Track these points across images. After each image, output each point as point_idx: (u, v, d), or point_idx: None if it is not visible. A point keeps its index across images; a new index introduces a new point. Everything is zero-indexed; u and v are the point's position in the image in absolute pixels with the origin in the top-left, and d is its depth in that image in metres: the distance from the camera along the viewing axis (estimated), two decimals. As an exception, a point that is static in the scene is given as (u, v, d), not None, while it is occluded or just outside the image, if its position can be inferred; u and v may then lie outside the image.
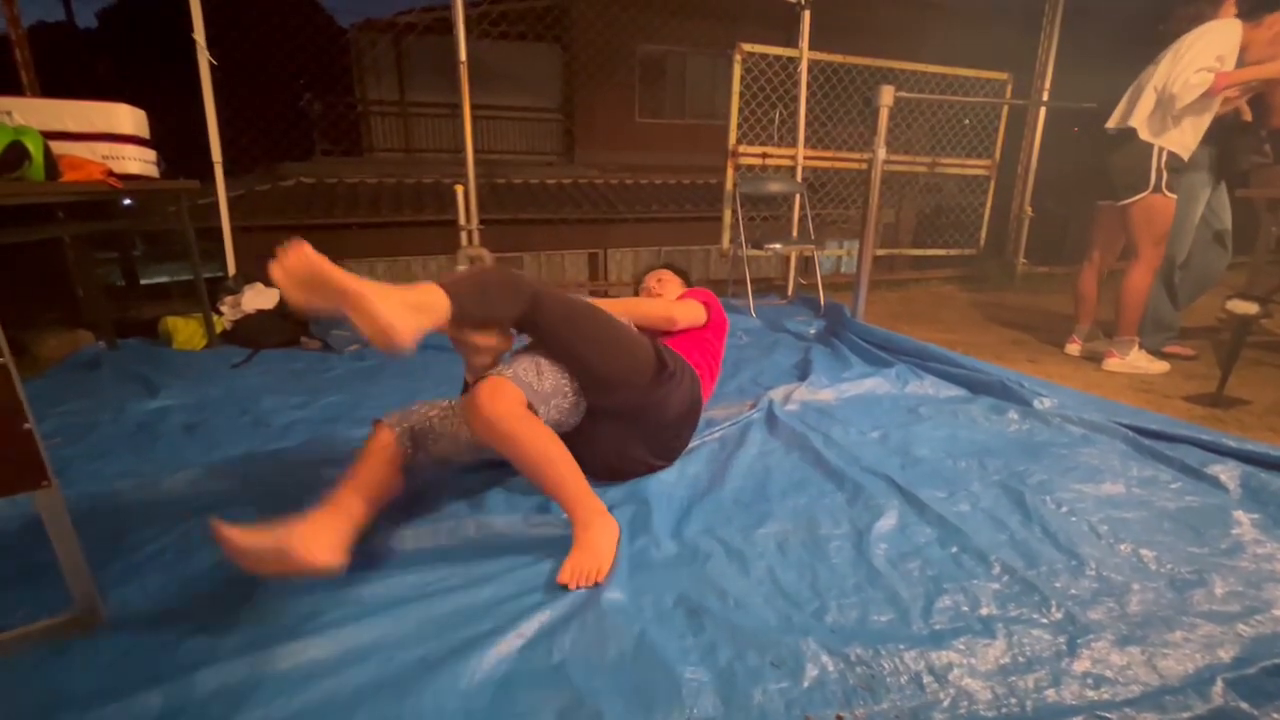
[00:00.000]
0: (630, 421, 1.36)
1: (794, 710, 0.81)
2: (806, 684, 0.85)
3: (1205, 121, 2.32)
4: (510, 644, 0.90)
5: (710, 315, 1.71)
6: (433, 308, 1.02)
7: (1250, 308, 2.14)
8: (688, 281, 2.00)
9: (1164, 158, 2.32)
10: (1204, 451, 1.56)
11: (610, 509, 1.28)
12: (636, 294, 1.99)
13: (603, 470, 1.38)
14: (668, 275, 1.97)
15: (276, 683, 0.84)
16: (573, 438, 1.26)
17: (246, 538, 0.92)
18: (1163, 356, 2.58)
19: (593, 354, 1.27)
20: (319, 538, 0.97)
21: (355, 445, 1.61)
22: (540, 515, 1.27)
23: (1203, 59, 2.23)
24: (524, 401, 1.15)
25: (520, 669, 0.87)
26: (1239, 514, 1.29)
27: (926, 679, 0.86)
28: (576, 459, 1.18)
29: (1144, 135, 2.36)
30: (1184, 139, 2.32)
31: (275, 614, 0.97)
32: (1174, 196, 2.35)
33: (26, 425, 0.81)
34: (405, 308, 0.95)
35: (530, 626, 0.93)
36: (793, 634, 0.93)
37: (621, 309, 1.51)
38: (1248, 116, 2.56)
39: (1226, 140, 2.49)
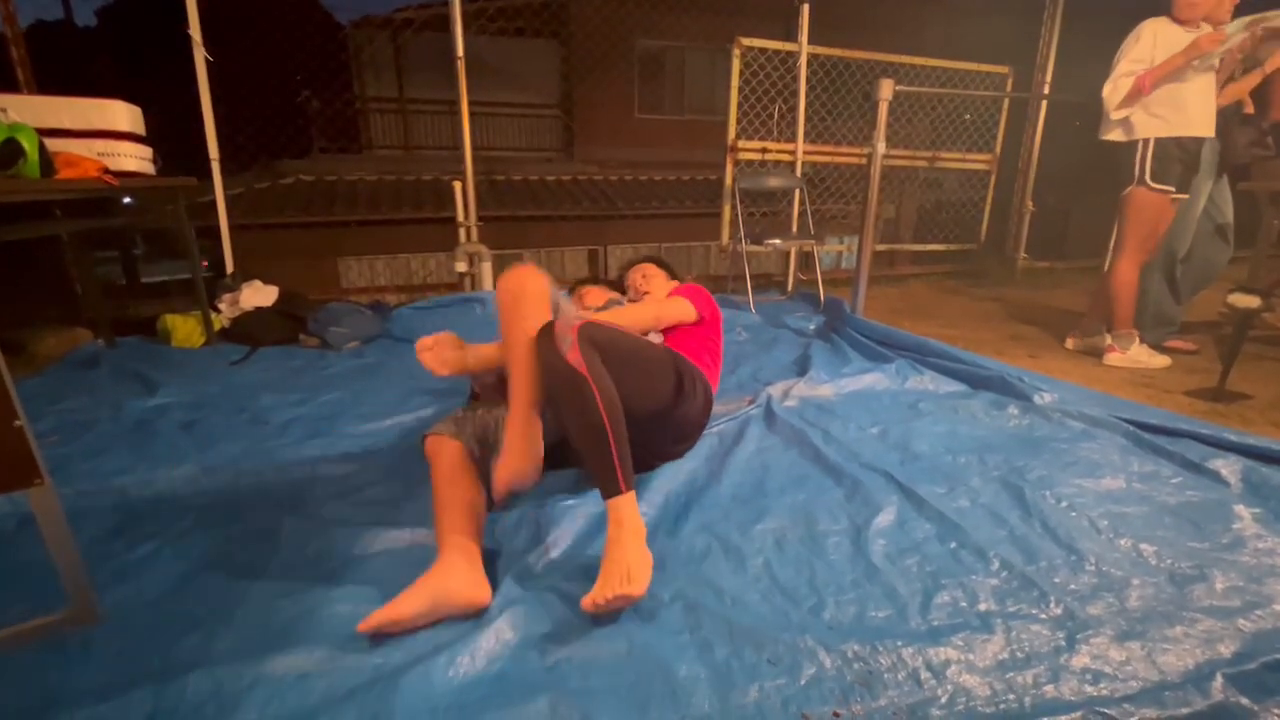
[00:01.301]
0: (640, 431, 1.36)
1: (791, 707, 0.81)
2: (804, 681, 0.84)
3: (1187, 98, 2.30)
4: (505, 641, 0.90)
5: (703, 311, 1.69)
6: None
7: (1252, 301, 2.13)
8: (672, 275, 1.96)
9: (1150, 148, 2.32)
10: (1205, 446, 1.55)
11: (600, 503, 1.27)
12: (621, 287, 1.93)
13: None
14: (653, 270, 1.91)
15: (270, 682, 0.83)
16: None
17: (397, 608, 0.91)
18: (1164, 351, 2.57)
19: (628, 391, 1.19)
20: (468, 577, 0.98)
21: (354, 442, 1.62)
22: (537, 510, 1.26)
23: (1123, 65, 2.33)
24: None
25: (515, 667, 0.87)
26: (1240, 509, 1.28)
27: (924, 675, 0.85)
28: (577, 453, 1.19)
29: (1114, 137, 2.40)
30: (1167, 125, 2.31)
31: (269, 614, 0.97)
32: (1162, 188, 2.34)
33: (18, 423, 0.81)
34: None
35: (525, 623, 0.93)
36: (790, 631, 0.93)
37: (627, 322, 1.47)
38: (1250, 109, 2.54)
39: (1228, 133, 2.48)
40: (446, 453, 1.21)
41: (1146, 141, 2.33)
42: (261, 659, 0.86)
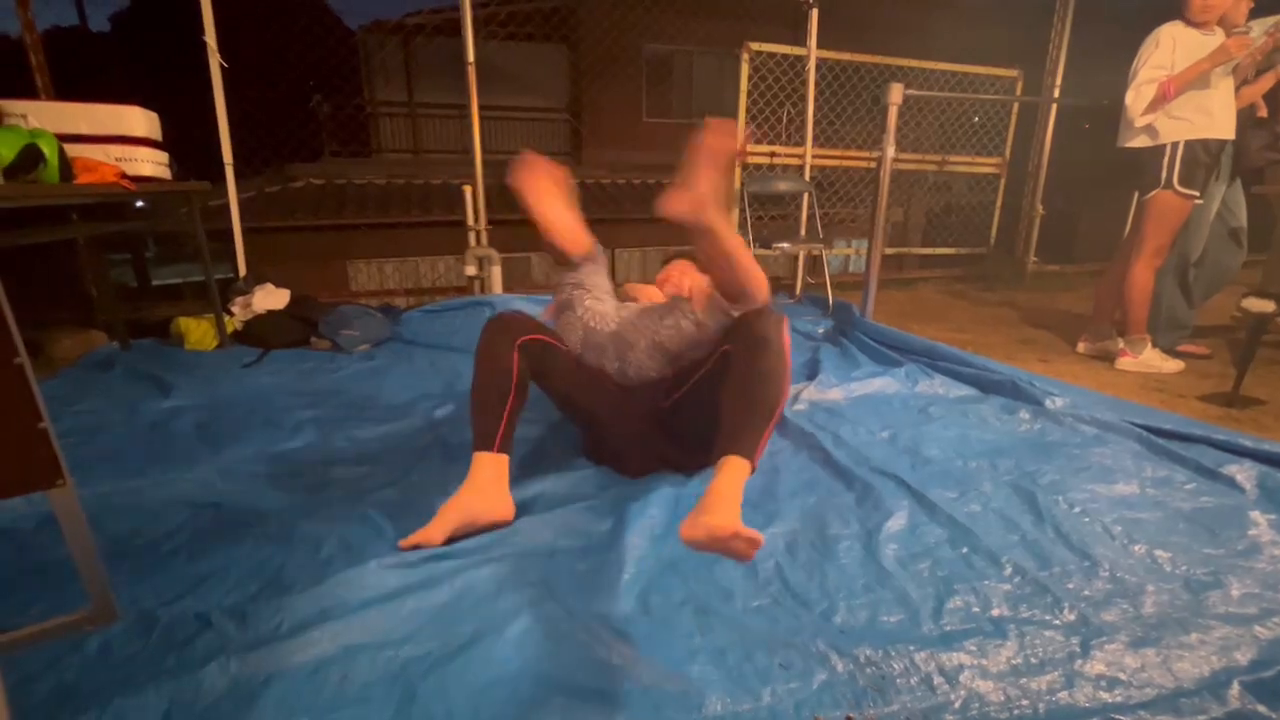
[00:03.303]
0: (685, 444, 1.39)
1: (803, 711, 0.81)
2: (816, 685, 0.84)
3: (1210, 100, 2.28)
4: (517, 641, 0.90)
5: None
6: None
7: (1266, 306, 2.11)
8: None
9: (1178, 152, 2.30)
10: (1219, 451, 1.54)
11: (617, 505, 1.28)
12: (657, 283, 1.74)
13: (633, 465, 1.42)
14: (690, 267, 1.73)
15: (286, 679, 0.84)
16: (634, 435, 1.37)
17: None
18: (1177, 355, 2.55)
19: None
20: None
21: (365, 445, 1.64)
22: (546, 509, 1.27)
23: (1144, 71, 2.31)
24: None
25: (526, 666, 0.87)
26: (1255, 514, 1.27)
27: (937, 680, 0.85)
28: (620, 452, 1.36)
29: (1137, 143, 2.38)
30: (1193, 127, 2.29)
31: (284, 611, 0.97)
32: (1189, 193, 2.32)
33: (42, 425, 0.82)
34: None
35: (536, 623, 0.93)
36: (802, 635, 0.93)
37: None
38: (1263, 112, 2.53)
39: (1241, 136, 2.46)
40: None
41: (1175, 145, 2.31)
42: (276, 657, 0.87)
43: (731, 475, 1.03)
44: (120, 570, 1.09)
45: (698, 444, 1.38)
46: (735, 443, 1.06)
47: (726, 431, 1.08)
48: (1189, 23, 2.27)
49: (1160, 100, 2.28)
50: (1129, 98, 2.35)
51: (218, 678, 0.84)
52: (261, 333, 2.58)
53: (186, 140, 3.12)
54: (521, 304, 2.95)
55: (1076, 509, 1.30)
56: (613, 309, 1.45)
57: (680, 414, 1.35)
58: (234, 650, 0.89)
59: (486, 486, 1.20)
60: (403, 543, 1.13)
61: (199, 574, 1.09)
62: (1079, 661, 0.89)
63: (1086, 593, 1.04)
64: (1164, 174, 2.33)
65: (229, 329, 2.62)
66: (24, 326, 0.77)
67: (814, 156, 3.89)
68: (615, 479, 1.41)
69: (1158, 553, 1.15)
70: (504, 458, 1.24)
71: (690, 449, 1.39)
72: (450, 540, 1.14)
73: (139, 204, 2.65)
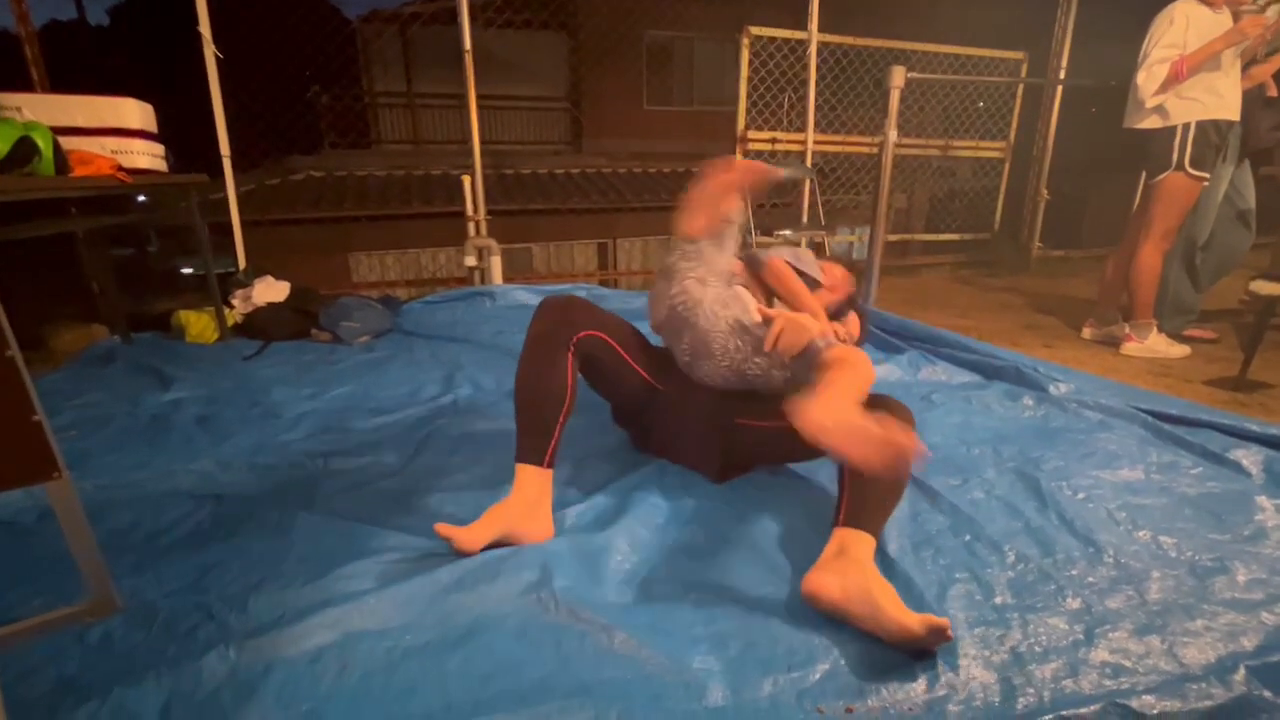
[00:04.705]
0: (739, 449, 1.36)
1: (805, 702, 0.80)
2: (818, 675, 0.84)
3: (1219, 81, 2.25)
4: (516, 630, 0.90)
5: None
6: None
7: (1275, 289, 2.09)
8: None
9: (1190, 133, 2.27)
10: (1226, 436, 1.52)
11: (621, 493, 1.28)
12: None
13: (657, 450, 1.43)
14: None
15: (285, 668, 0.84)
16: (687, 417, 1.35)
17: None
18: (1183, 340, 2.53)
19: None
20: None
21: (365, 436, 1.63)
22: (565, 510, 1.26)
23: (1156, 51, 2.27)
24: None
25: (528, 657, 0.87)
26: (1262, 499, 1.26)
27: (941, 669, 0.85)
28: (651, 434, 1.39)
29: (1148, 125, 2.35)
30: (1204, 108, 2.26)
31: (284, 602, 0.97)
32: (1200, 174, 2.30)
33: (36, 417, 0.82)
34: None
35: (536, 612, 0.93)
36: (804, 624, 0.92)
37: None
38: (1273, 92, 2.49)
39: (1250, 117, 2.42)
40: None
41: (1186, 126, 2.28)
42: (276, 646, 0.87)
43: (870, 552, 1.02)
44: (122, 562, 1.09)
45: (742, 464, 1.38)
46: (870, 522, 1.04)
47: (858, 507, 1.05)
48: (1202, 1, 2.23)
49: (1172, 80, 2.24)
50: (1140, 78, 2.31)
51: (218, 667, 0.84)
52: (262, 325, 2.58)
53: (187, 133, 3.10)
54: (524, 294, 2.95)
55: (1081, 495, 1.29)
56: (711, 299, 1.28)
57: (749, 439, 1.32)
58: (234, 640, 0.89)
59: (535, 504, 1.14)
60: (440, 529, 1.06)
61: (200, 565, 1.09)
62: (1083, 649, 0.88)
63: (1091, 579, 1.04)
64: (1175, 155, 2.30)
65: (229, 322, 2.61)
66: (26, 321, 0.77)
67: (816, 142, 3.85)
68: (621, 466, 1.41)
69: (1163, 538, 1.14)
70: (551, 473, 1.18)
71: (733, 465, 1.37)
72: (486, 549, 1.07)
73: (140, 198, 2.64)
